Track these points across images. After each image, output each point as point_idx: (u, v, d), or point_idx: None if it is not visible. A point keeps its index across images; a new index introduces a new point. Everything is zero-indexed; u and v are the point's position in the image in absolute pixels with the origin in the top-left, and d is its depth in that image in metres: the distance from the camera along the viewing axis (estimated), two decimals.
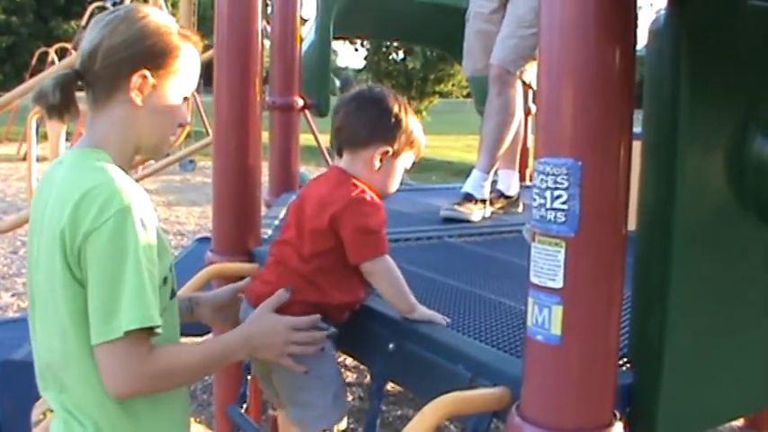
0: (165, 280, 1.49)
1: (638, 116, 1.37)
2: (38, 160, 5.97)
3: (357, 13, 4.62)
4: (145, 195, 1.45)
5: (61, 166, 1.49)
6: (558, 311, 1.26)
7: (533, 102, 3.95)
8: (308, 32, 4.44)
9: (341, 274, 1.83)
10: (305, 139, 4.87)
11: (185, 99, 1.60)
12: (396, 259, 1.84)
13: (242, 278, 2.11)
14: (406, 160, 1.95)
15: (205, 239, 4.02)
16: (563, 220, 1.24)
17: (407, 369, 1.82)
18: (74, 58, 4.88)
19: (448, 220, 3.23)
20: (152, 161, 5.77)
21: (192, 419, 3.34)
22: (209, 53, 2.87)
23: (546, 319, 1.27)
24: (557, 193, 1.24)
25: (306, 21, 4.78)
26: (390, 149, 1.89)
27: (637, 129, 1.33)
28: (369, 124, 1.88)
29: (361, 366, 1.96)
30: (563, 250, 1.25)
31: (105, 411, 1.43)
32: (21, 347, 2.99)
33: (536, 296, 1.30)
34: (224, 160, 2.56)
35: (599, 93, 1.23)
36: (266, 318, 1.71)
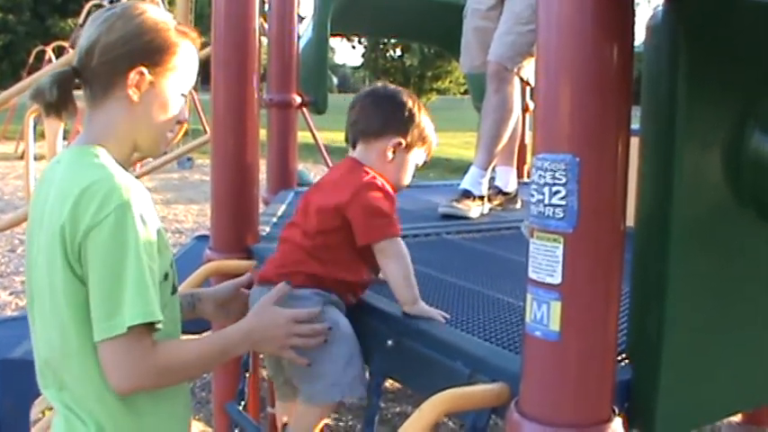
0: (165, 276, 1.50)
1: (636, 112, 1.37)
2: (35, 158, 5.97)
3: (354, 10, 4.62)
4: (145, 191, 1.45)
5: (60, 164, 1.49)
6: (556, 307, 1.26)
7: (531, 98, 3.95)
8: (305, 30, 4.44)
9: (344, 253, 1.86)
10: (303, 136, 4.87)
11: (183, 96, 1.60)
12: None
13: (240, 275, 2.11)
14: (417, 156, 2.01)
15: (203, 237, 4.03)
16: (561, 215, 1.24)
17: (406, 365, 1.82)
18: (71, 56, 4.88)
19: (446, 216, 3.24)
20: (150, 159, 5.77)
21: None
22: (207, 50, 2.87)
23: (544, 315, 1.28)
24: (555, 188, 1.25)
25: (303, 18, 4.78)
26: (403, 141, 1.95)
27: (635, 125, 1.33)
28: (383, 116, 1.96)
29: None
30: (561, 246, 1.25)
31: (106, 407, 1.43)
32: (19, 346, 3.00)
33: (534, 292, 1.30)
34: (222, 158, 2.56)
35: (597, 89, 1.23)
36: (267, 311, 1.71)
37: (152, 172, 7.59)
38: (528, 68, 3.36)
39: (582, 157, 1.23)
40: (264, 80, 3.87)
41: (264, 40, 4.09)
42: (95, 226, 1.35)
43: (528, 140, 4.39)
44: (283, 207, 3.33)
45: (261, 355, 2.25)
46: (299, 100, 3.92)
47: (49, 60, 14.46)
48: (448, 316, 1.84)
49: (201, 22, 12.31)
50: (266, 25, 4.06)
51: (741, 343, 1.58)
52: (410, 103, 1.97)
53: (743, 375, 1.61)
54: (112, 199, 1.37)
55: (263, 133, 2.89)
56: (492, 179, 3.56)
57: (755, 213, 1.52)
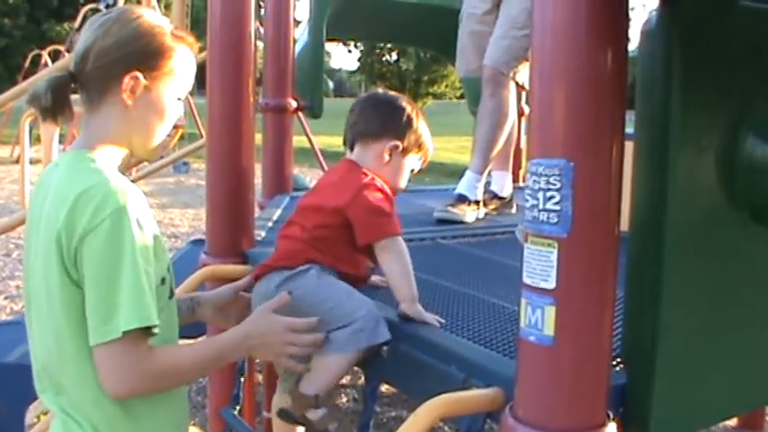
0: (162, 280, 1.49)
1: (631, 117, 1.38)
2: (31, 163, 5.97)
3: (350, 15, 4.62)
4: (141, 196, 1.44)
5: (57, 168, 1.49)
6: (550, 312, 1.26)
7: (526, 103, 3.95)
8: (301, 34, 4.44)
9: (342, 247, 1.90)
10: (298, 140, 4.86)
11: (180, 101, 1.60)
12: None
13: (236, 280, 2.10)
14: (412, 161, 2.05)
15: (199, 241, 4.02)
16: (556, 220, 1.25)
17: (401, 370, 1.82)
18: (67, 60, 4.87)
19: (441, 221, 3.24)
20: (146, 163, 5.76)
21: None
22: (203, 55, 2.87)
23: (539, 320, 1.28)
24: (549, 193, 1.25)
25: (299, 22, 4.78)
26: (400, 145, 2.00)
27: (629, 130, 1.33)
28: (382, 118, 2.02)
29: (355, 368, 1.95)
30: (556, 251, 1.25)
31: (103, 412, 1.43)
32: (14, 350, 2.99)
33: (529, 297, 1.30)
34: (217, 162, 2.56)
35: (591, 94, 1.23)
36: (265, 318, 1.70)
37: (148, 176, 7.58)
38: (523, 73, 3.36)
39: (576, 162, 1.23)
40: (260, 84, 3.87)
41: (260, 44, 4.10)
42: (91, 230, 1.35)
43: (523, 145, 4.39)
44: (279, 212, 3.33)
45: (257, 360, 2.25)
46: (294, 104, 3.92)
47: (45, 64, 14.46)
48: (443, 320, 1.84)
49: (198, 26, 12.32)
50: (262, 29, 4.06)
51: (736, 346, 1.58)
52: (409, 109, 2.03)
53: (738, 379, 1.61)
54: (108, 203, 1.36)
55: (258, 138, 2.88)
56: (487, 184, 3.57)
57: (750, 217, 1.52)
